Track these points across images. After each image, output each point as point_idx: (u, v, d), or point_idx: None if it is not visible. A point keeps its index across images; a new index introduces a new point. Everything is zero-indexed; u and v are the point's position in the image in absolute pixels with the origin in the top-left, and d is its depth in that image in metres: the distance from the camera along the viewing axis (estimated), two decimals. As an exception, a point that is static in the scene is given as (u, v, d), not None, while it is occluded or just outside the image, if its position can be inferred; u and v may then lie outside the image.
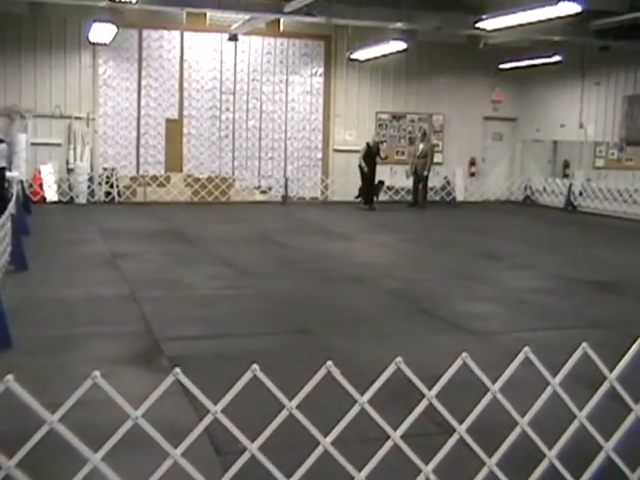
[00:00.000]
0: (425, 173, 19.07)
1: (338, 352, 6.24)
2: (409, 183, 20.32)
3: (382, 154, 18.56)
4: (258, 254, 11.61)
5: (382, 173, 19.21)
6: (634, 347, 3.74)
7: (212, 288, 8.92)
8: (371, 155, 18.36)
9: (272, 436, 3.10)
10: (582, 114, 19.99)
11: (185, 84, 19.26)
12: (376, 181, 18.76)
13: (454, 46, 20.05)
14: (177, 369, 2.92)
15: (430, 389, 3.34)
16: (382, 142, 19.53)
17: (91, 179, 18.32)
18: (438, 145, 20.86)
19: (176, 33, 19.01)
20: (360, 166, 18.30)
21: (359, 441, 3.56)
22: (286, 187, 19.80)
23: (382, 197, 19.38)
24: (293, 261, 11.10)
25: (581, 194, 19.99)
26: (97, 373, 2.76)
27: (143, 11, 16.75)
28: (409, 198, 20.04)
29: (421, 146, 19.22)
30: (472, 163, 21.84)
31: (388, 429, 3.26)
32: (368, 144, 18.53)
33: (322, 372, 3.12)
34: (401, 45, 17.07)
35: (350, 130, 20.50)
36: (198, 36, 19.15)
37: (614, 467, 3.75)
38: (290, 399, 3.12)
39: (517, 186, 22.06)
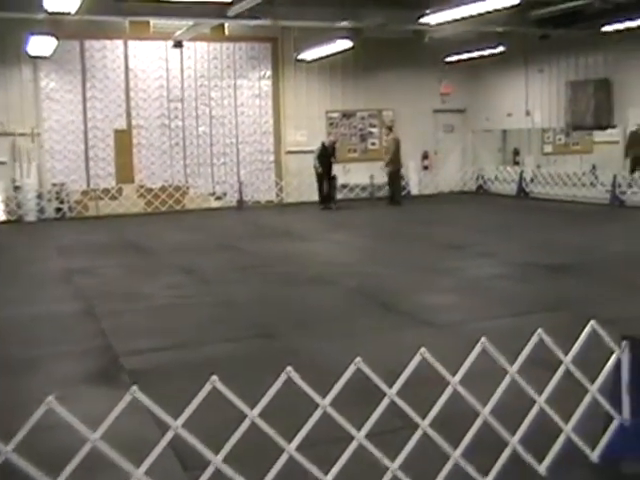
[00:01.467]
0: (388, 169, 19.05)
1: (301, 354, 6.24)
2: (364, 180, 20.44)
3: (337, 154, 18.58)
4: (216, 261, 11.55)
5: (335, 171, 19.14)
6: (586, 330, 3.80)
7: (171, 297, 8.84)
8: (326, 155, 18.33)
9: (238, 444, 3.09)
10: (528, 102, 20.27)
11: (132, 94, 19.05)
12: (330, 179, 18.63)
13: (400, 41, 20.13)
14: (134, 387, 2.89)
15: (391, 386, 3.36)
16: (336, 141, 19.44)
17: (40, 196, 18.01)
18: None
19: (119, 42, 18.79)
20: (315, 167, 18.28)
21: (327, 442, 3.57)
22: (241, 192, 19.72)
23: (337, 195, 19.29)
24: (252, 265, 11.06)
25: (532, 180, 20.27)
26: (51, 398, 2.72)
27: (84, 21, 16.45)
28: (364, 195, 20.15)
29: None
30: (425, 156, 21.98)
31: (352, 430, 3.28)
32: (323, 144, 18.52)
33: (282, 378, 3.12)
34: (347, 43, 17.11)
35: (301, 131, 20.50)
36: (142, 44, 18.96)
37: (575, 447, 3.82)
38: (253, 406, 3.11)
39: (470, 176, 22.27)
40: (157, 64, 19.20)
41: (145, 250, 12.83)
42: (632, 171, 18.23)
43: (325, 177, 18.45)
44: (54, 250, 13.00)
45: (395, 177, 19.17)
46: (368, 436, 3.32)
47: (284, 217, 17.82)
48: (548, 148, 23.07)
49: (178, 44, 18.93)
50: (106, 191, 18.73)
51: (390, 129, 19.48)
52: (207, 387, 3.02)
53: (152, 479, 2.95)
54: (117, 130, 18.99)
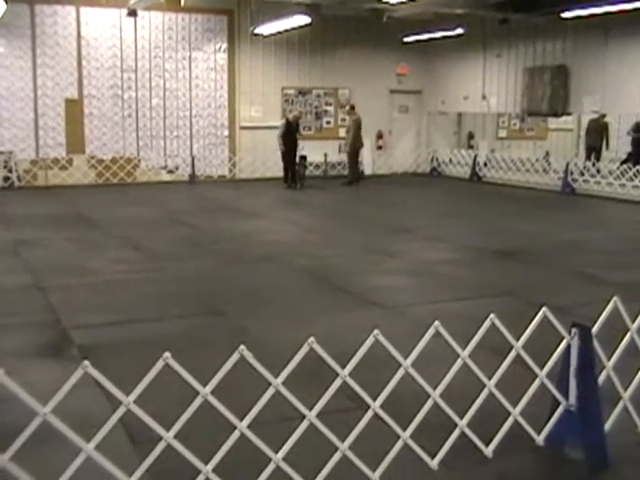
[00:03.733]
0: (347, 149, 19.02)
1: (252, 333, 6.23)
2: (318, 158, 20.42)
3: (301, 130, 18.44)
4: (166, 236, 11.43)
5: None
6: (539, 315, 3.86)
7: (120, 273, 8.73)
8: (291, 132, 18.06)
9: (189, 421, 3.07)
10: (485, 86, 20.41)
11: (84, 62, 18.64)
12: (298, 158, 18.46)
13: (358, 20, 20.09)
14: (86, 362, 2.84)
15: (344, 367, 3.36)
16: (300, 117, 19.19)
17: (-13, 164, 17.60)
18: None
19: (71, 8, 18.31)
20: (279, 145, 18.01)
21: (278, 420, 3.58)
22: (193, 166, 19.53)
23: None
24: (203, 242, 10.98)
25: (486, 165, 20.46)
26: (0, 371, 2.66)
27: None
28: (317, 173, 20.14)
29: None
30: (379, 136, 22.01)
31: (303, 409, 3.28)
32: (288, 120, 18.29)
33: (235, 357, 3.10)
34: (305, 19, 16.99)
35: (256, 106, 20.35)
36: (95, 11, 18.53)
37: (522, 431, 3.88)
38: (205, 384, 3.09)
39: (424, 158, 22.39)
40: (110, 32, 18.81)
41: (95, 223, 12.63)
42: (587, 159, 18.56)
43: (291, 155, 18.13)
44: (1, 220, 12.72)
45: (354, 158, 19.16)
46: (319, 415, 3.33)
47: (237, 193, 17.70)
48: (503, 133, 23.32)
49: (132, 13, 18.57)
50: (56, 161, 18.37)
51: (353, 108, 19.35)
52: (160, 363, 2.99)
53: (101, 453, 2.91)
54: (68, 99, 18.59)
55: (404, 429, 3.53)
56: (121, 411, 2.93)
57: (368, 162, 21.52)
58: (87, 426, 3.03)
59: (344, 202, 16.44)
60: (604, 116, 18.57)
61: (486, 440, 3.79)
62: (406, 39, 20.67)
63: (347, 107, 19.69)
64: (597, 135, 19.03)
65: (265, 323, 6.60)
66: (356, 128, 18.84)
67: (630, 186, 16.27)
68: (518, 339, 3.82)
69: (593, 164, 17.71)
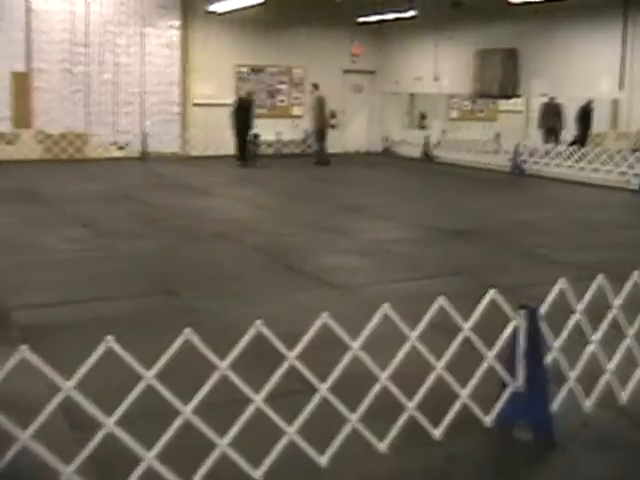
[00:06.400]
0: (311, 128, 18.88)
1: (203, 312, 6.15)
2: (271, 137, 20.29)
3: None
4: (117, 213, 11.24)
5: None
6: (486, 298, 3.86)
7: (68, 251, 8.56)
8: (244, 108, 17.88)
9: (133, 406, 3.00)
10: (437, 67, 20.44)
11: (33, 35, 18.17)
12: (250, 136, 18.28)
13: (313, -1, 19.96)
14: (24, 346, 2.75)
15: (292, 349, 3.32)
16: (253, 93, 18.99)
17: None
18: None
19: (21, -19, 17.85)
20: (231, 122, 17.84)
21: (225, 404, 3.52)
22: (144, 143, 19.23)
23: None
24: (154, 219, 10.82)
25: (437, 145, 20.55)
26: None
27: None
28: (270, 152, 20.05)
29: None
30: (333, 115, 21.90)
31: (250, 393, 3.23)
32: (240, 97, 18.10)
33: (180, 340, 3.04)
34: (259, -3, 16.79)
35: (209, 84, 20.09)
36: (44, -16, 18.08)
37: (470, 413, 3.89)
38: (151, 366, 3.02)
39: (377, 138, 22.40)
40: (61, 6, 18.35)
41: (43, 199, 12.36)
42: (546, 141, 18.77)
43: (244, 132, 17.96)
44: (-56, 196, 12.39)
45: (319, 137, 19.01)
46: (267, 399, 3.28)
47: (189, 170, 17.49)
48: (454, 114, 23.44)
49: (83, -15, 18.12)
50: (2, 135, 17.91)
51: (316, 87, 19.17)
52: (101, 348, 2.91)
53: (38, 441, 2.83)
54: (15, 72, 18.11)
55: (353, 412, 3.51)
56: (60, 397, 2.85)
57: (322, 141, 21.41)
58: (29, 411, 2.95)
59: (297, 180, 16.36)
60: (552, 99, 18.79)
61: (435, 422, 3.79)
62: (360, 19, 20.57)
63: (310, 85, 19.51)
64: (555, 117, 19.25)
65: (216, 302, 6.53)
66: (319, 107, 18.72)
67: (577, 167, 16.52)
68: (468, 320, 3.82)
69: (554, 146, 17.93)
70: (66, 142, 18.57)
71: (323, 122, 18.93)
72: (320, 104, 18.76)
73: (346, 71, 21.90)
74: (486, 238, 9.95)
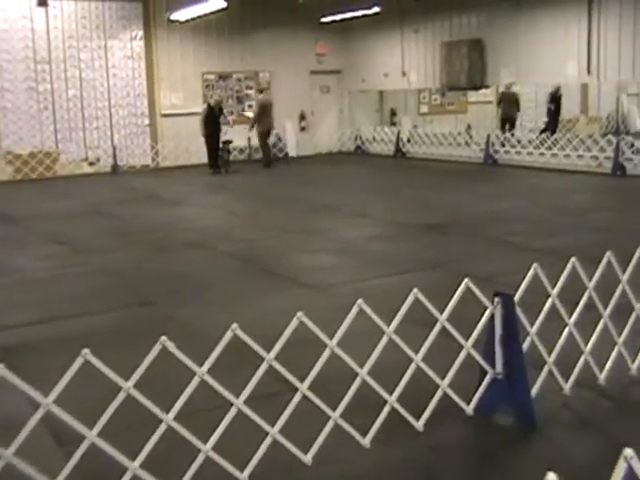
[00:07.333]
0: (257, 131, 18.88)
1: (179, 321, 6.15)
2: (242, 142, 20.28)
3: (226, 114, 18.29)
4: (91, 229, 11.18)
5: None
6: (461, 287, 3.90)
7: (44, 269, 8.51)
8: (213, 116, 17.88)
9: (114, 417, 3.00)
10: (404, 62, 20.51)
11: (-6, 55, 18.03)
12: (221, 143, 18.26)
13: (275, 1, 19.93)
14: (0, 365, 2.74)
15: (269, 350, 3.33)
16: (222, 100, 19.01)
17: None
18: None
19: (-23, 0, 17.70)
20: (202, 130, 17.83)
21: (207, 409, 3.53)
22: (115, 157, 19.14)
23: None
24: (128, 232, 10.78)
25: (409, 140, 20.62)
26: None
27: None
28: (242, 157, 20.04)
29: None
30: (302, 117, 21.96)
31: (230, 397, 3.24)
32: (209, 104, 18.08)
33: (157, 348, 3.04)
34: (221, 3, 16.73)
35: (177, 93, 20.03)
36: (3, 2, 17.91)
37: (451, 402, 3.93)
38: (129, 377, 3.03)
39: (348, 137, 22.44)
40: (20, 23, 18.19)
41: (15, 219, 12.27)
42: (502, 130, 18.87)
43: (215, 140, 17.96)
44: None
45: (262, 139, 19.03)
46: (248, 401, 3.29)
47: (161, 181, 17.42)
48: (424, 108, 23.50)
49: (43, 3, 17.96)
50: (-30, 158, 17.76)
51: (260, 91, 19.30)
52: (78, 361, 2.91)
53: (25, 458, 2.82)
54: (-21, 93, 17.96)
55: (334, 409, 3.53)
56: (40, 412, 2.84)
57: (292, 144, 21.44)
58: (8, 429, 2.94)
59: (270, 184, 16.35)
60: (509, 87, 18.86)
61: (417, 414, 3.82)
62: (323, 19, 20.60)
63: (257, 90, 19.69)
64: (512, 106, 19.36)
65: (193, 310, 6.53)
66: (259, 110, 18.80)
67: (549, 155, 16.65)
68: (442, 311, 3.85)
69: (512, 134, 18.07)
70: (36, 161, 18.42)
71: (267, 125, 18.96)
72: (263, 108, 18.84)
73: (313, 72, 21.92)
74: (461, 230, 10.01)
